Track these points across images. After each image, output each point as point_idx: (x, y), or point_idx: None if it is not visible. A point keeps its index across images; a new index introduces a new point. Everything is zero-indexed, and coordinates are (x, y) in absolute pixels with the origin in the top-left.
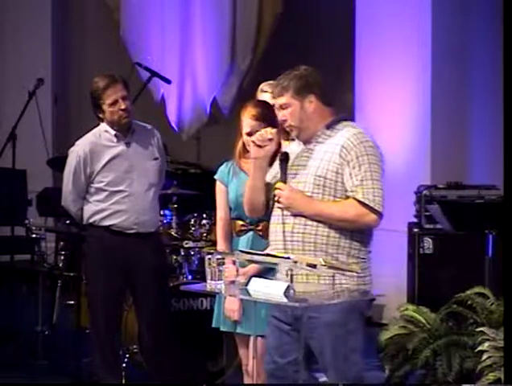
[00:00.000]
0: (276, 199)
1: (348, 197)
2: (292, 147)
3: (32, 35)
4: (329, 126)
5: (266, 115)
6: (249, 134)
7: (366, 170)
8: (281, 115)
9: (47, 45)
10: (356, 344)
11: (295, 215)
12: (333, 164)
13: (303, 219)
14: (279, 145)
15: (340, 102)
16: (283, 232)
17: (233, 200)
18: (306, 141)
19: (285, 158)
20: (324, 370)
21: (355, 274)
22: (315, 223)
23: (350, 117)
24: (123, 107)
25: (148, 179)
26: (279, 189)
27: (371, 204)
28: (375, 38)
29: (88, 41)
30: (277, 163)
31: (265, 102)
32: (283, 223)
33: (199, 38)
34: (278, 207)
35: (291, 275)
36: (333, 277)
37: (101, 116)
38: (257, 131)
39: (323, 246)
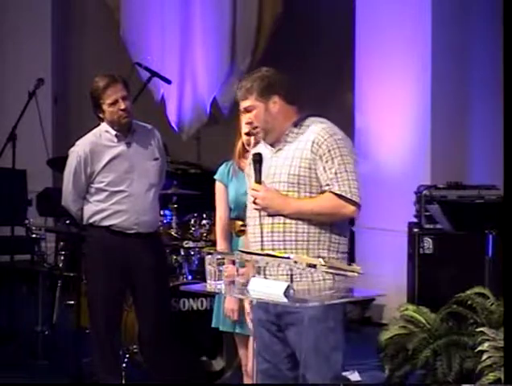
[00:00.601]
0: (252, 200)
1: (323, 191)
2: (262, 149)
3: (32, 35)
4: (296, 124)
5: None
6: (248, 134)
7: (340, 163)
8: (246, 118)
9: (47, 45)
10: (336, 342)
11: (272, 215)
12: (305, 160)
13: (282, 217)
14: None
15: (339, 102)
16: (261, 232)
17: (233, 200)
18: (274, 142)
19: (259, 158)
20: (303, 369)
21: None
22: (293, 221)
23: (316, 113)
24: (123, 107)
25: (148, 179)
26: (255, 190)
27: (348, 196)
28: (375, 38)
29: (88, 41)
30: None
31: None
32: (261, 224)
33: (199, 38)
34: (255, 209)
35: (291, 275)
36: (312, 274)
37: (101, 115)
38: None
39: (304, 243)
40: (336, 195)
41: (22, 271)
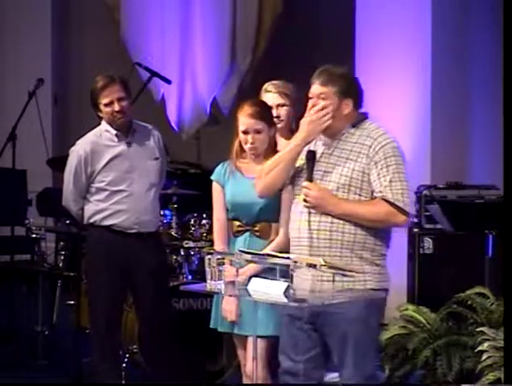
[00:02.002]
0: (303, 198)
1: (374, 197)
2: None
3: (32, 35)
4: (354, 125)
5: (263, 113)
6: (246, 132)
7: (394, 171)
8: (313, 103)
9: (47, 45)
10: (373, 342)
11: (320, 213)
12: (360, 164)
13: (329, 217)
14: (275, 144)
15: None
16: (309, 229)
17: (230, 201)
18: (329, 137)
19: (312, 156)
20: (341, 367)
21: (374, 272)
22: (341, 221)
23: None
24: (117, 109)
25: (149, 179)
26: (307, 188)
27: (401, 205)
28: (375, 38)
29: (88, 41)
30: (300, 160)
31: (261, 101)
32: (309, 221)
33: (199, 38)
34: (305, 206)
35: (291, 275)
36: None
37: (99, 114)
38: (253, 130)
39: (349, 243)
40: (388, 202)
41: (22, 271)
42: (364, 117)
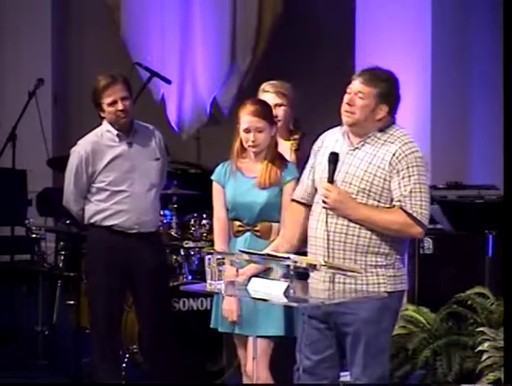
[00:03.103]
0: (322, 199)
1: (393, 205)
2: (337, 142)
3: (32, 35)
4: (381, 129)
5: (265, 112)
6: (247, 131)
7: (415, 182)
8: (349, 98)
9: (47, 45)
10: (386, 343)
11: (338, 216)
12: (382, 171)
13: (346, 220)
14: (276, 143)
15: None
16: (327, 231)
17: (230, 201)
18: (354, 136)
19: (335, 159)
20: (351, 366)
21: (391, 274)
22: (357, 225)
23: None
24: (121, 108)
25: (149, 179)
26: (327, 190)
27: (418, 217)
28: (375, 38)
29: (88, 41)
30: (324, 160)
31: (263, 100)
32: (326, 222)
33: (199, 38)
34: (324, 207)
35: (291, 276)
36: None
37: (102, 114)
38: (255, 128)
39: (364, 247)
40: (406, 213)
41: (22, 271)
42: (391, 122)
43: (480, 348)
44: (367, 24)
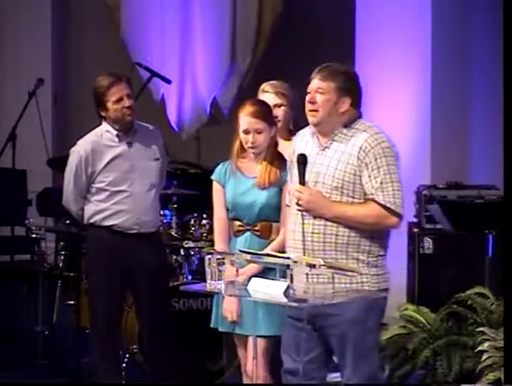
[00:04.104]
0: (295, 202)
1: (366, 199)
2: (307, 143)
3: (32, 35)
4: (346, 125)
5: (264, 113)
6: (247, 132)
7: (385, 173)
8: (310, 97)
9: (47, 45)
10: (373, 343)
11: (314, 216)
12: (351, 166)
13: (323, 219)
14: (276, 143)
15: None
16: (303, 232)
17: (230, 201)
18: (322, 135)
19: (303, 160)
20: (342, 368)
21: (374, 273)
22: (334, 224)
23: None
24: (128, 104)
25: (149, 180)
26: (299, 192)
27: (392, 207)
28: (375, 38)
29: (88, 41)
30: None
31: (262, 101)
32: (303, 223)
33: (199, 38)
34: (298, 210)
35: (291, 275)
36: (350, 277)
37: (103, 114)
38: (254, 129)
39: (343, 246)
40: (380, 205)
41: (22, 271)
42: (357, 116)
43: (480, 348)
44: (367, 24)
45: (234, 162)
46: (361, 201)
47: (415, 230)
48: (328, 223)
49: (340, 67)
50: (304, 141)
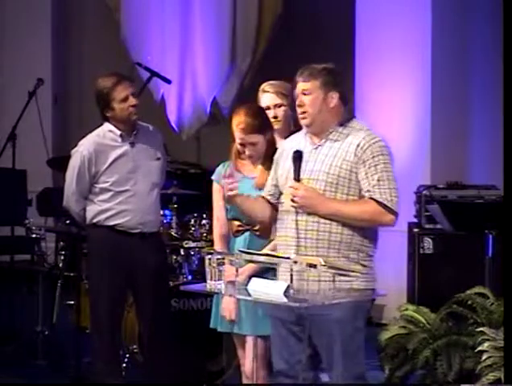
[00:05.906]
0: (290, 198)
1: (362, 196)
2: (300, 141)
3: (32, 35)
4: (342, 123)
5: (257, 126)
6: (242, 145)
7: (382, 170)
8: (299, 100)
9: (47, 45)
10: (361, 342)
11: (307, 213)
12: (347, 162)
13: (316, 216)
14: (274, 143)
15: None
16: (296, 229)
17: None
18: (315, 135)
19: (299, 156)
20: (329, 368)
21: (362, 273)
22: (328, 221)
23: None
24: (134, 103)
25: (152, 179)
26: (294, 188)
27: (389, 204)
28: (375, 38)
29: (88, 41)
30: (288, 161)
31: (254, 111)
32: (296, 221)
33: (199, 38)
34: (292, 206)
35: (291, 274)
36: (337, 276)
37: (108, 115)
38: (249, 143)
39: (336, 243)
40: (376, 202)
41: (22, 271)
42: (351, 115)
43: (480, 348)
44: (367, 24)
45: (234, 162)
46: (356, 199)
47: (415, 230)
48: (322, 221)
49: (320, 66)
50: (295, 141)
